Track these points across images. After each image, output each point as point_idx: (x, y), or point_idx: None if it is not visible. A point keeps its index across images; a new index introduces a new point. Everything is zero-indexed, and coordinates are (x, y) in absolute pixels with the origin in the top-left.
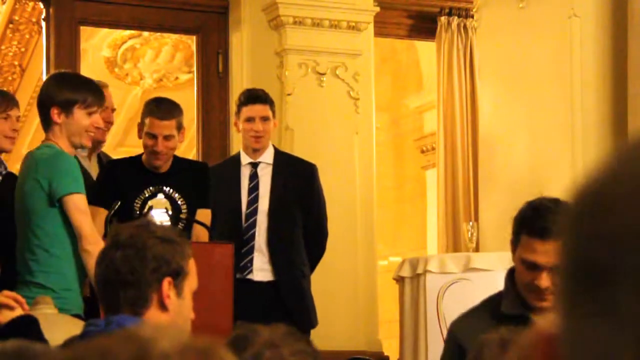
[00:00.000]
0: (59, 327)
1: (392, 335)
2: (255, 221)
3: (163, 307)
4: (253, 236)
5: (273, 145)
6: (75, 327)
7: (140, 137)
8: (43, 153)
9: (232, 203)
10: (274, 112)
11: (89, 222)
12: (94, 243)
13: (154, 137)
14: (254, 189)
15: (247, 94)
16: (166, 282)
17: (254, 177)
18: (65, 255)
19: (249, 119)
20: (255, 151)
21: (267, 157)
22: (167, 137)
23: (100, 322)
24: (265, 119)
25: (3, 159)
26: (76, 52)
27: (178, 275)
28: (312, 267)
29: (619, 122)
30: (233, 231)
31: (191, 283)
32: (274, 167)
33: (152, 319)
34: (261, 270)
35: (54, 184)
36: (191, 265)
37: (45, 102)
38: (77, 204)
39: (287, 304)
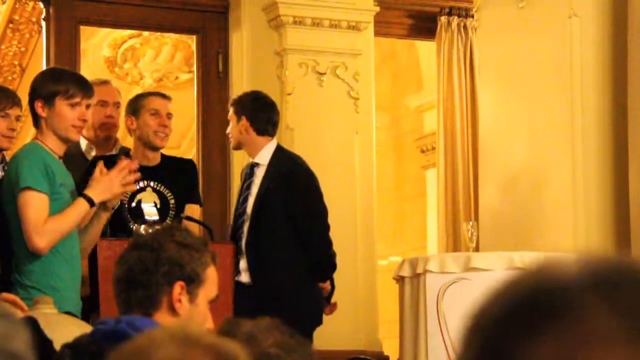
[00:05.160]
0: (59, 326)
1: (392, 335)
2: (242, 222)
3: (173, 311)
4: (240, 237)
5: (278, 147)
6: (75, 326)
7: (133, 128)
8: (16, 152)
9: (236, 203)
10: (236, 112)
11: (29, 223)
12: (39, 238)
13: (158, 114)
14: (246, 189)
15: None
16: (177, 286)
17: (248, 177)
18: (51, 254)
19: None
20: (246, 151)
21: (261, 158)
22: (169, 115)
23: (110, 321)
24: (229, 120)
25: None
26: (76, 52)
27: (192, 281)
28: (322, 275)
29: (619, 122)
30: (233, 231)
31: (208, 291)
32: (266, 169)
33: (161, 321)
34: (245, 271)
35: (12, 182)
36: (210, 274)
37: (31, 97)
38: (19, 205)
39: (265, 306)
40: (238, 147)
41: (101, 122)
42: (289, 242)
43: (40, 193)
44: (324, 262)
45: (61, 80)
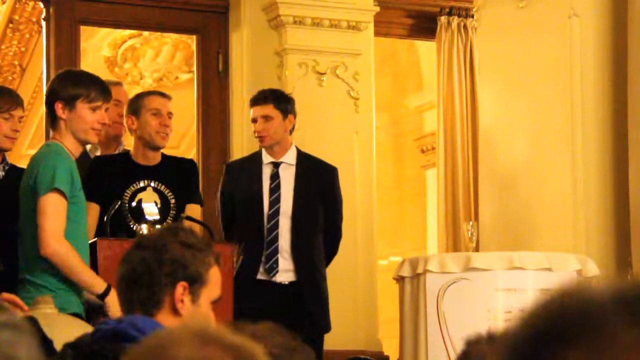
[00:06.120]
0: (59, 326)
1: (392, 335)
2: (277, 222)
3: (175, 311)
4: (276, 237)
5: (296, 147)
6: (75, 326)
7: (134, 128)
8: (39, 151)
9: (254, 202)
10: (283, 109)
11: (50, 225)
12: (54, 244)
13: (159, 113)
14: (275, 189)
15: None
16: (180, 287)
17: (275, 177)
18: None
19: (253, 121)
20: (271, 150)
21: (289, 157)
22: (169, 115)
23: (112, 321)
24: (266, 118)
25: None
26: (76, 51)
27: (195, 282)
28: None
29: (619, 122)
30: (256, 231)
31: (211, 292)
32: (297, 169)
33: (163, 321)
34: (286, 271)
35: (38, 181)
36: (213, 274)
37: (51, 99)
38: (44, 204)
39: (308, 305)
40: (272, 145)
41: (113, 121)
42: (324, 240)
43: (64, 200)
44: (332, 258)
45: (83, 84)
